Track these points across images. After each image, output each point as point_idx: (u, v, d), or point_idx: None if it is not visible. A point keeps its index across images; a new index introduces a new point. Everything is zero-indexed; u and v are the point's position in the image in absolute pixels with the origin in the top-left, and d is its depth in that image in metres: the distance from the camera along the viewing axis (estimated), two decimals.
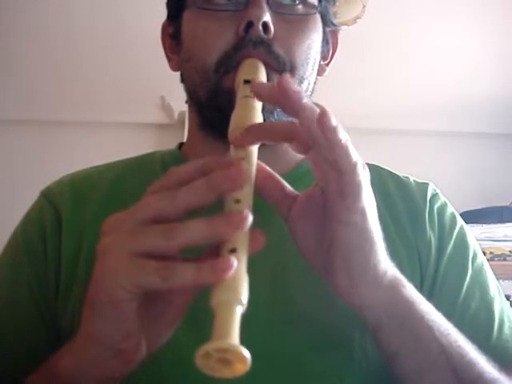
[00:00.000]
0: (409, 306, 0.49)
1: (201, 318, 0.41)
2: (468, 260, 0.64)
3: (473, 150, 2.49)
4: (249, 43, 0.59)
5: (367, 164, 0.46)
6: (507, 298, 0.85)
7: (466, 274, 0.63)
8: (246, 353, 0.35)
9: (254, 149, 0.47)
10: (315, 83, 0.67)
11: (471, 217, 1.96)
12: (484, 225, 2.01)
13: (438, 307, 0.52)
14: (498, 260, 1.92)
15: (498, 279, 0.67)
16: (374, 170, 0.50)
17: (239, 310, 0.36)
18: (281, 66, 0.60)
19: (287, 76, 0.43)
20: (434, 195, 0.67)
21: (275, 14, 0.60)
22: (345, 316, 0.53)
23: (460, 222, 0.67)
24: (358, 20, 1.64)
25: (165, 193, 0.40)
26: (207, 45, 0.61)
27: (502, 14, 1.89)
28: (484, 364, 0.51)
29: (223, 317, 0.36)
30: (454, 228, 0.65)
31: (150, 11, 1.00)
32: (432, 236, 0.63)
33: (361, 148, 0.45)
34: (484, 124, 2.41)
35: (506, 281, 1.81)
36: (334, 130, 0.42)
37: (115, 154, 0.77)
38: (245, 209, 0.39)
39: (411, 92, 2.22)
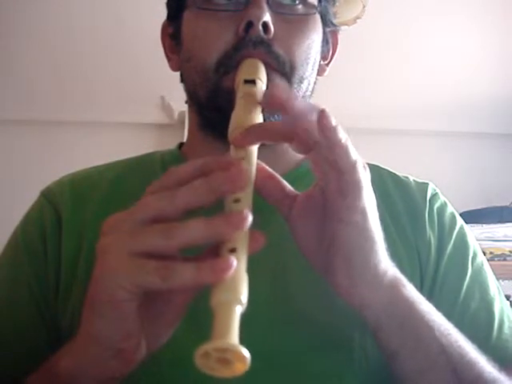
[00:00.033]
0: (409, 306, 0.49)
1: (201, 317, 0.41)
2: (468, 260, 0.64)
3: (473, 150, 2.49)
4: (249, 43, 0.59)
5: (367, 164, 0.46)
6: (507, 298, 0.85)
7: (466, 274, 0.63)
8: (246, 352, 0.35)
9: (254, 149, 0.47)
10: (315, 83, 0.67)
11: (471, 217, 1.96)
12: (484, 225, 2.01)
13: (438, 307, 0.52)
14: (498, 260, 1.92)
15: (497, 279, 0.67)
16: (374, 169, 0.50)
17: (239, 310, 0.36)
18: (281, 66, 0.60)
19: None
20: (434, 195, 0.67)
21: (275, 13, 0.60)
22: (345, 316, 0.53)
23: (460, 221, 0.67)
24: (358, 20, 1.64)
25: (164, 193, 0.40)
26: (207, 45, 0.61)
27: (502, 14, 1.89)
28: (484, 364, 0.51)
29: (223, 316, 0.36)
30: (454, 228, 0.65)
31: (150, 11, 1.00)
32: (432, 236, 0.63)
33: (361, 148, 0.45)
34: (484, 124, 2.41)
35: (506, 281, 1.81)
36: (333, 130, 0.42)
37: (115, 154, 0.77)
38: (245, 209, 0.39)
39: (411, 92, 2.22)
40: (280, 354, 0.54)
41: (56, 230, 0.62)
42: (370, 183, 0.46)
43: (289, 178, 0.51)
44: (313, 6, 0.64)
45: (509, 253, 1.94)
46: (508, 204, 2.25)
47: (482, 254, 0.67)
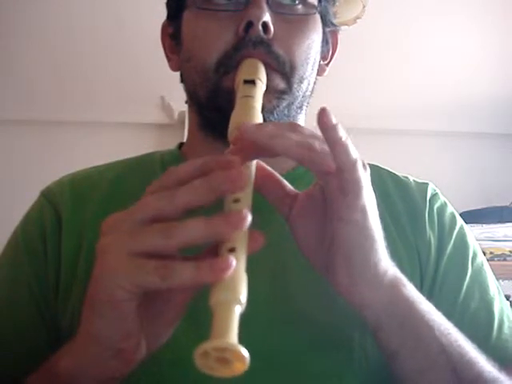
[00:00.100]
0: (409, 306, 0.49)
1: (200, 317, 0.41)
2: (468, 260, 0.64)
3: (473, 149, 2.49)
4: (249, 43, 0.59)
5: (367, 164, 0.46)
6: (507, 298, 0.85)
7: (466, 274, 0.63)
8: (245, 352, 0.35)
9: None
10: (315, 83, 0.67)
11: (471, 217, 1.96)
12: (484, 225, 2.01)
13: (438, 307, 0.52)
14: (498, 260, 1.92)
15: (497, 279, 0.67)
16: (374, 169, 0.50)
17: (238, 310, 0.36)
18: (281, 66, 0.60)
19: (247, 126, 0.44)
20: (434, 195, 0.67)
21: (275, 14, 0.60)
22: (345, 316, 0.53)
23: (460, 221, 0.67)
24: (358, 20, 1.64)
25: (164, 192, 0.40)
26: (207, 45, 0.61)
27: (502, 13, 1.89)
28: (484, 363, 0.51)
29: (222, 316, 0.36)
30: (454, 228, 0.65)
31: (150, 11, 1.00)
32: (432, 236, 0.63)
33: (361, 148, 0.45)
34: (484, 124, 2.41)
35: (506, 281, 1.81)
36: (333, 128, 0.42)
37: (115, 154, 0.77)
38: (244, 208, 0.39)
39: (411, 92, 2.22)
40: (279, 353, 0.54)
41: (56, 230, 0.62)
42: (370, 183, 0.46)
43: (289, 178, 0.51)
44: (313, 6, 0.64)
45: (509, 253, 1.94)
46: (508, 204, 2.25)
47: (482, 254, 0.67)
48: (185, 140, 0.73)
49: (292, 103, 0.62)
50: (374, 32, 1.88)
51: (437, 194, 0.68)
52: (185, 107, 0.71)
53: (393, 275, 0.49)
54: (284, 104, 0.61)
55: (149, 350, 0.43)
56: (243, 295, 0.37)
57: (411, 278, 0.51)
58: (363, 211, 0.45)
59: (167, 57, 0.71)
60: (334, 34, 0.71)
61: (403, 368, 0.50)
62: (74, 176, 0.70)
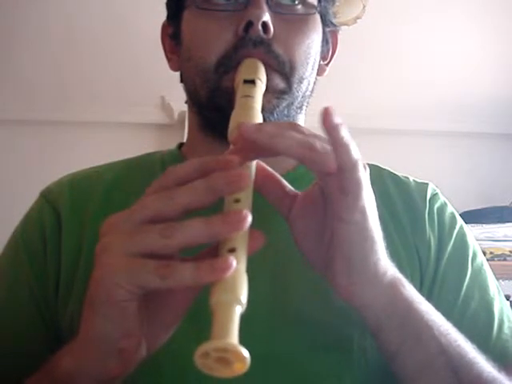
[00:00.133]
0: (408, 306, 0.49)
1: (201, 317, 0.41)
2: (468, 260, 0.64)
3: (473, 149, 2.49)
4: (248, 43, 0.59)
5: (367, 164, 0.46)
6: (507, 298, 0.85)
7: (466, 274, 0.63)
8: (245, 352, 0.34)
9: None
10: (315, 83, 0.67)
11: (471, 217, 1.96)
12: (484, 225, 2.01)
13: (438, 307, 0.52)
14: (498, 260, 1.92)
15: (497, 279, 0.67)
16: (374, 169, 0.50)
17: (238, 310, 0.36)
18: (280, 66, 0.60)
19: (247, 126, 0.43)
20: (434, 195, 0.67)
21: (275, 13, 0.60)
22: (344, 316, 0.53)
23: (460, 221, 0.67)
24: (358, 20, 1.64)
25: (163, 193, 0.40)
26: (207, 45, 0.61)
27: (502, 14, 1.89)
28: (483, 364, 0.51)
29: (222, 316, 0.36)
30: (454, 228, 0.65)
31: (150, 11, 1.00)
32: (432, 236, 0.63)
33: (361, 148, 0.45)
34: (484, 124, 2.41)
35: (506, 281, 1.81)
36: (335, 128, 0.42)
37: (115, 154, 0.78)
38: (244, 208, 0.39)
39: (411, 92, 2.22)
40: (279, 354, 0.54)
41: (56, 231, 0.62)
42: (370, 183, 0.46)
43: (289, 178, 0.51)
44: (312, 6, 0.64)
45: (509, 253, 1.94)
46: (508, 204, 2.25)
47: (482, 254, 0.67)
48: (185, 140, 0.73)
49: (292, 103, 0.62)
50: (374, 32, 1.88)
51: (437, 194, 0.68)
52: (185, 107, 0.71)
53: (392, 275, 0.49)
54: (284, 104, 0.61)
55: (149, 350, 0.43)
56: (243, 295, 0.37)
57: (411, 279, 0.51)
58: (363, 212, 0.44)
59: (167, 57, 0.71)
60: (334, 33, 0.71)
61: (403, 368, 0.50)
62: (74, 176, 0.70)
